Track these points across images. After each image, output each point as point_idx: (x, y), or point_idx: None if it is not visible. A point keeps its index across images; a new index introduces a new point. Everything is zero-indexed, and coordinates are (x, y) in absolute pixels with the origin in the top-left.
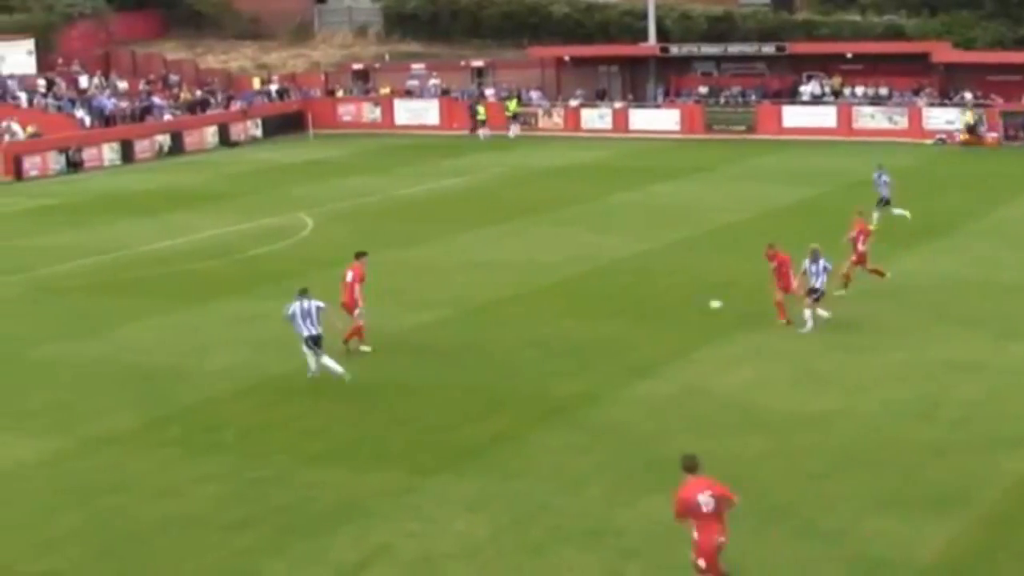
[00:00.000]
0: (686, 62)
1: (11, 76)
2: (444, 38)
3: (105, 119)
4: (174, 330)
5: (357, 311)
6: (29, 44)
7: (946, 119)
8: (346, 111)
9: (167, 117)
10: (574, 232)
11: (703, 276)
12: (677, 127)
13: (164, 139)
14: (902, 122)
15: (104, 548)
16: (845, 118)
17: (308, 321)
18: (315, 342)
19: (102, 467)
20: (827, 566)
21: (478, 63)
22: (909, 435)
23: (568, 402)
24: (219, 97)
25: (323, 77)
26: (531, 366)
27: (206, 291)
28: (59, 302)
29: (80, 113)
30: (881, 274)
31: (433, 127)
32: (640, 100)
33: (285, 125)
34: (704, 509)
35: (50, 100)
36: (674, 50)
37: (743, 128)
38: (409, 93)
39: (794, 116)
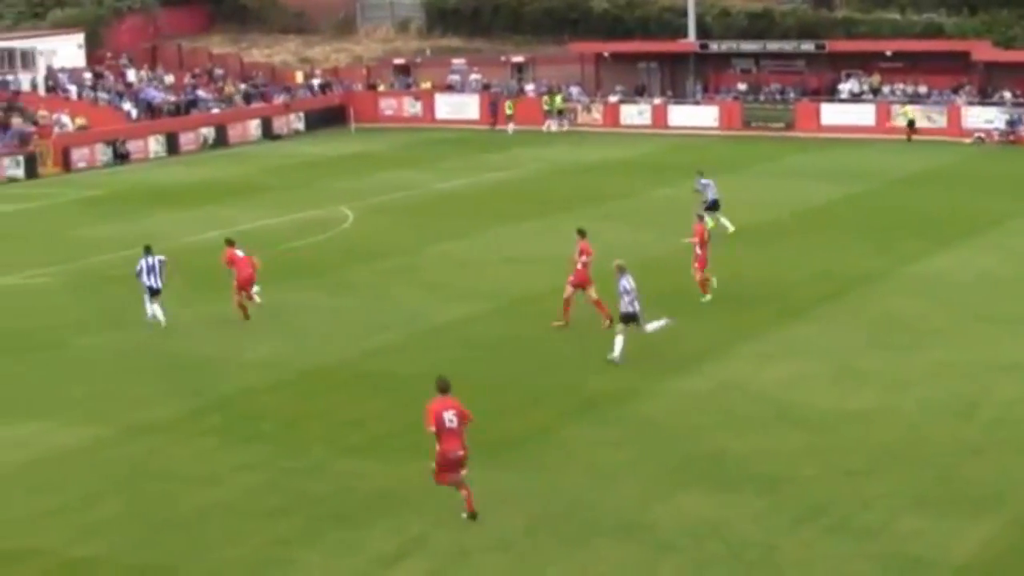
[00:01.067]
0: (725, 59)
1: (61, 69)
2: (485, 33)
3: (151, 112)
4: (215, 320)
5: None
6: (79, 38)
7: (984, 118)
8: (387, 105)
9: (214, 111)
10: (612, 227)
11: (741, 273)
12: (716, 124)
13: (208, 132)
14: (941, 121)
15: (144, 534)
16: (883, 116)
17: (152, 275)
18: (155, 293)
19: (143, 455)
20: (862, 563)
21: (518, 59)
22: (947, 434)
23: (604, 397)
24: (281, 91)
25: (365, 71)
26: (568, 361)
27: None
28: (103, 292)
29: (127, 106)
30: (704, 285)
31: (473, 122)
32: (679, 96)
33: (327, 119)
34: (448, 425)
35: (98, 93)
36: (713, 47)
37: (781, 125)
38: (450, 88)
39: (832, 114)
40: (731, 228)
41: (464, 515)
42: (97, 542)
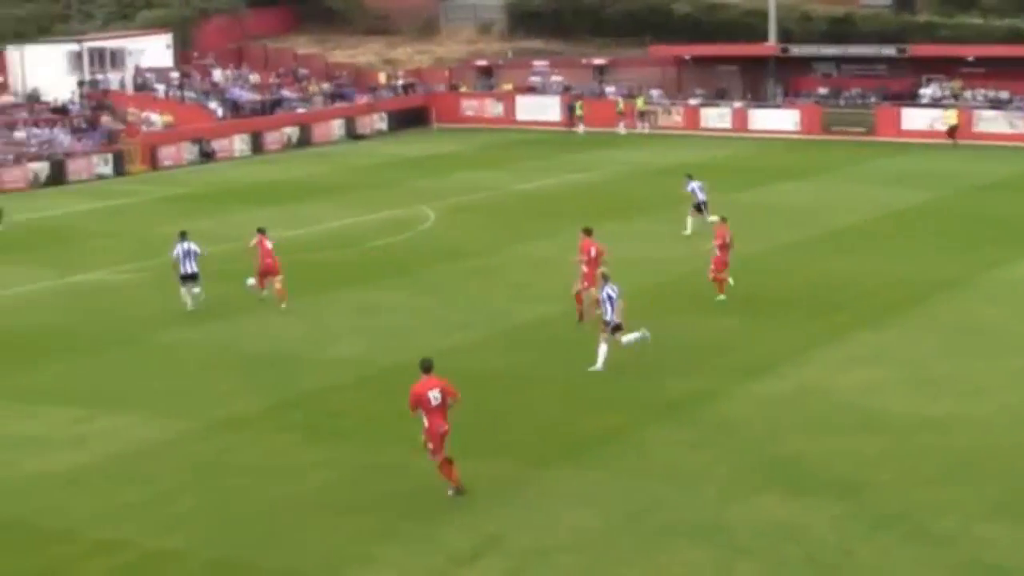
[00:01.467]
0: (806, 63)
1: (149, 69)
2: (566, 35)
3: (237, 111)
4: (298, 317)
5: None
6: (167, 38)
7: None
8: (469, 106)
9: (299, 110)
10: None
11: (820, 277)
12: (796, 128)
13: (293, 131)
14: (1022, 126)
15: (224, 528)
16: (965, 122)
17: (187, 261)
18: (192, 279)
19: (225, 449)
20: (938, 571)
21: (599, 61)
22: None
23: (683, 399)
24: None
25: (447, 73)
26: (647, 362)
27: (329, 280)
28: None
29: (213, 105)
30: (721, 285)
31: (554, 123)
32: (759, 100)
33: (410, 119)
34: (433, 403)
35: (185, 92)
36: (794, 50)
37: (862, 130)
38: (531, 89)
39: (913, 118)
40: (688, 231)
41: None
42: (178, 535)
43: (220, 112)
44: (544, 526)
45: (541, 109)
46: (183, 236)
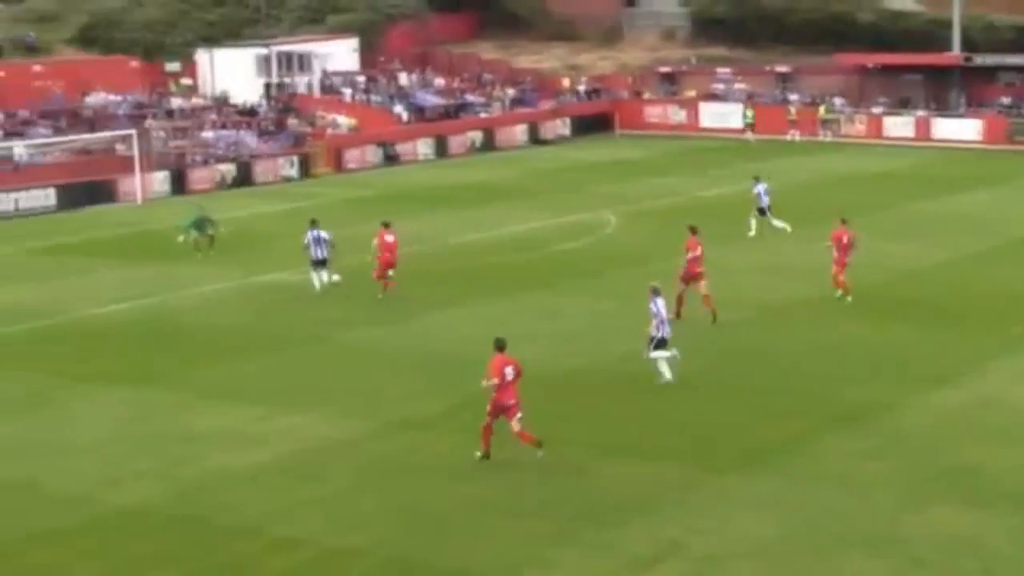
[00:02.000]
0: (990, 72)
1: (336, 72)
2: (750, 43)
3: (421, 115)
4: (479, 320)
5: None
6: (354, 42)
7: None
8: (652, 112)
9: (483, 115)
10: (871, 239)
11: (999, 288)
12: (979, 137)
13: (476, 135)
14: None
15: (401, 528)
16: None
17: (319, 247)
18: (322, 264)
19: (405, 449)
20: None
21: (783, 68)
22: None
23: (859, 408)
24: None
25: (631, 79)
26: (823, 371)
27: (511, 284)
28: (368, 289)
29: (398, 109)
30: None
31: (737, 130)
32: (942, 109)
33: (593, 125)
34: (507, 378)
35: (371, 96)
36: (978, 60)
37: None
38: (714, 96)
39: None
40: (752, 233)
41: (538, 451)
42: (356, 533)
43: (405, 116)
44: (721, 532)
45: (724, 116)
46: (314, 224)
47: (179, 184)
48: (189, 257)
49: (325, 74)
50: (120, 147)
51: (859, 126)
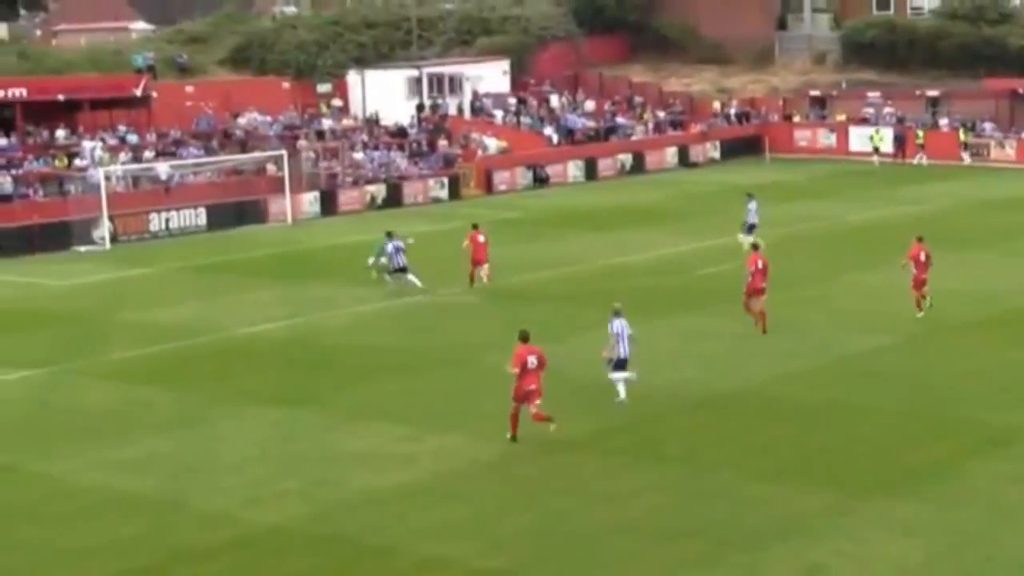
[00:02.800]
0: None
1: (487, 94)
2: (900, 67)
3: (571, 137)
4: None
5: None
6: (504, 64)
7: None
8: (802, 136)
9: (633, 137)
10: (1020, 264)
11: None
12: None
13: (626, 158)
14: None
15: (547, 550)
16: None
17: (398, 256)
18: (403, 271)
19: (551, 471)
20: None
21: (933, 93)
22: None
23: (1009, 433)
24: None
25: (781, 102)
26: (973, 395)
27: (658, 306)
28: (520, 310)
29: (548, 131)
30: (920, 301)
31: (887, 155)
32: None
33: (742, 148)
34: (529, 366)
35: (521, 118)
36: None
37: None
38: (864, 120)
39: None
40: (746, 246)
41: (551, 426)
42: (502, 555)
43: (555, 138)
44: (866, 557)
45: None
46: (390, 235)
47: (329, 205)
48: (338, 276)
49: (476, 96)
50: (271, 168)
51: (1009, 151)
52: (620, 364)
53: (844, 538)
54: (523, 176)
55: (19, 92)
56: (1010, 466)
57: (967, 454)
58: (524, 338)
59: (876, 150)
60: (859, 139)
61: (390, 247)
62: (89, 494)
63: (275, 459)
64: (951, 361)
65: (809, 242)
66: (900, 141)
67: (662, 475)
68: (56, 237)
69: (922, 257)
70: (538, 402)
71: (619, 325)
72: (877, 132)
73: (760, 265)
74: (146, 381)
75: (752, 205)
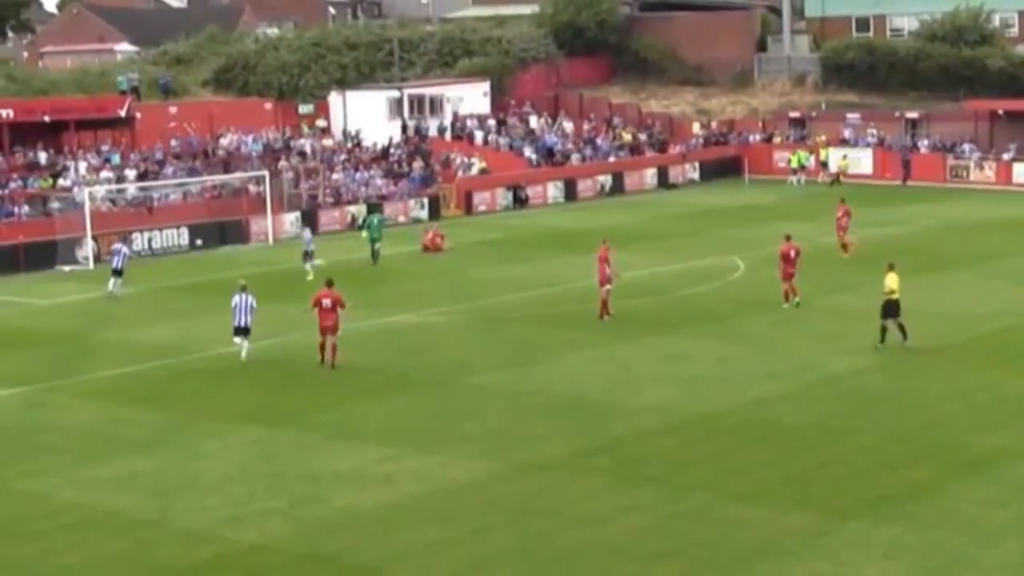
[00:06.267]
0: None
1: (469, 115)
2: (880, 89)
3: (551, 158)
4: (606, 363)
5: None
6: (485, 86)
7: None
8: (781, 157)
9: (611, 159)
10: (1003, 285)
11: None
12: None
13: (605, 179)
14: None
15: (529, 571)
16: None
17: (241, 313)
18: (243, 332)
19: (532, 492)
20: None
21: (912, 114)
22: None
23: (990, 455)
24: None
25: (761, 123)
26: (954, 417)
27: (639, 327)
28: (501, 332)
29: (528, 152)
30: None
31: (866, 176)
32: None
33: (722, 169)
34: (325, 306)
35: (501, 139)
36: None
37: None
38: (844, 142)
39: None
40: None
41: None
42: (482, 575)
43: (534, 159)
44: None
45: (854, 162)
46: (243, 289)
47: (310, 225)
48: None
49: (457, 117)
50: (252, 188)
51: (988, 172)
52: (241, 331)
53: (824, 559)
54: (503, 197)
55: (6, 113)
56: (990, 489)
57: (947, 476)
58: (328, 283)
59: (796, 170)
60: (840, 161)
61: (236, 300)
62: (71, 512)
63: (256, 478)
64: (931, 383)
65: (851, 258)
66: (907, 165)
67: (642, 496)
68: (40, 256)
69: (792, 254)
70: (337, 334)
71: (241, 299)
72: (795, 153)
73: (793, 255)
74: (128, 400)
75: None
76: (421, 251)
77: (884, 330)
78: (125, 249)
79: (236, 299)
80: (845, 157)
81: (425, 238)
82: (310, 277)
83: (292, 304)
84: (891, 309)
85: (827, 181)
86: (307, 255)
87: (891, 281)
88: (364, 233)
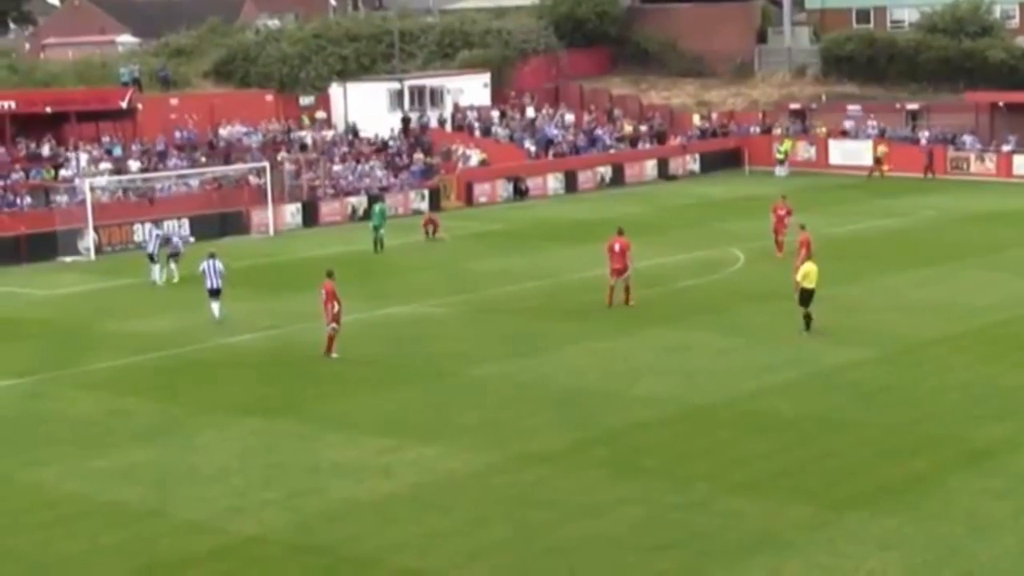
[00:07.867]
0: None
1: (469, 107)
2: (880, 80)
3: (551, 149)
4: (606, 355)
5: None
6: (485, 77)
7: None
8: (781, 149)
9: (612, 150)
10: (1003, 277)
11: None
12: None
13: (606, 170)
14: None
15: (526, 562)
16: None
17: (211, 276)
18: (215, 294)
19: (530, 483)
20: None
21: (913, 106)
22: None
23: (988, 447)
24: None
25: (761, 115)
26: (953, 409)
27: (638, 319)
28: (500, 323)
29: (528, 143)
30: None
31: (867, 168)
32: None
33: (722, 161)
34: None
35: (501, 130)
36: None
37: None
38: (844, 134)
39: None
40: None
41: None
42: (481, 566)
43: (534, 150)
44: (845, 570)
45: (854, 154)
46: (212, 255)
47: (310, 216)
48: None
49: (457, 108)
50: (253, 179)
51: (989, 164)
52: (214, 293)
53: (822, 551)
54: (503, 188)
55: (8, 104)
56: (989, 481)
57: (946, 468)
58: (329, 273)
59: (781, 161)
60: (840, 152)
61: (204, 265)
62: (71, 502)
63: (255, 469)
64: (930, 375)
65: (787, 255)
66: (930, 158)
67: (642, 487)
68: (42, 247)
69: (616, 248)
70: (332, 326)
71: (209, 264)
72: (782, 143)
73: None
74: (129, 391)
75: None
76: (423, 238)
77: (808, 317)
78: (175, 239)
79: (204, 264)
80: (880, 147)
81: (423, 220)
82: (175, 279)
83: (291, 297)
84: (805, 298)
85: (873, 174)
86: (173, 257)
87: (808, 268)
88: (372, 223)
